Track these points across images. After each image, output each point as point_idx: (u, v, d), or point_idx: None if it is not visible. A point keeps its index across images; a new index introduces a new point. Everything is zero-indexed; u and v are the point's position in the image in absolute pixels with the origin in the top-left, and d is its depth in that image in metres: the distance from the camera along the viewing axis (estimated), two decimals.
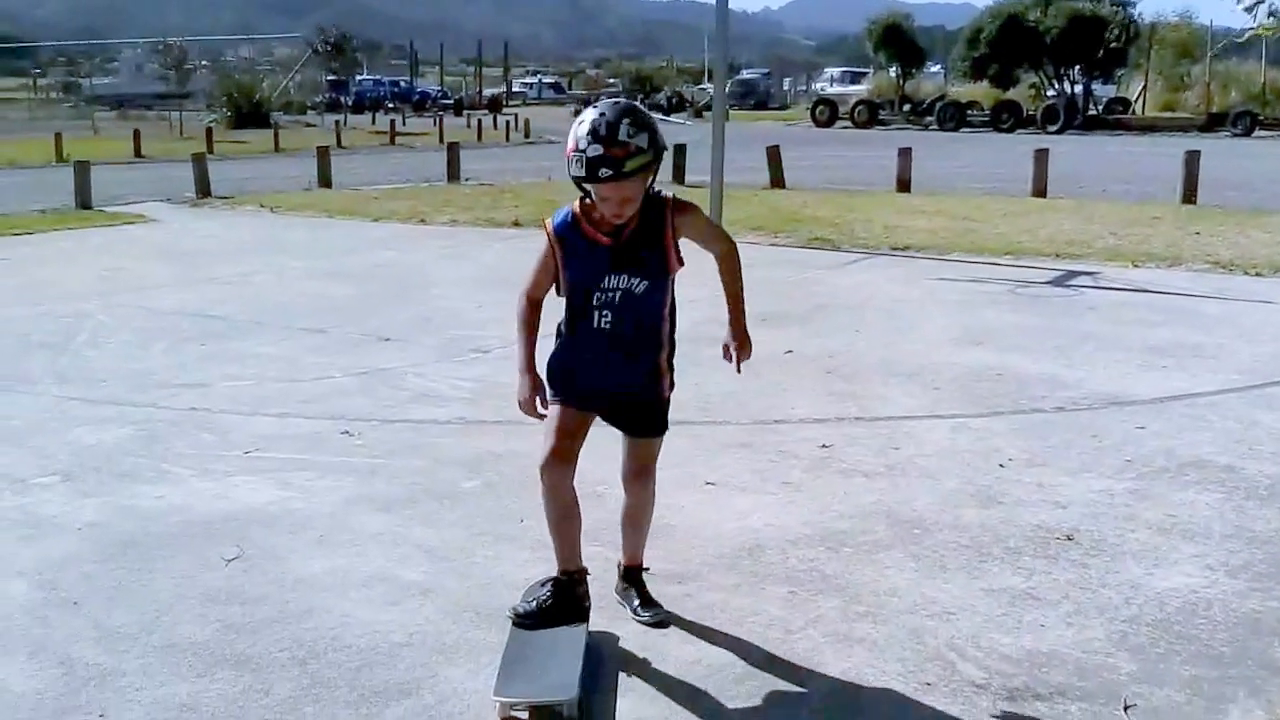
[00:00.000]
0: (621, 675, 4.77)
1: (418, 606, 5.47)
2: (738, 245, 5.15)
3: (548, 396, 4.95)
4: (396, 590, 5.63)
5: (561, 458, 4.81)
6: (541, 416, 4.91)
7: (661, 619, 5.20)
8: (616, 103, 4.63)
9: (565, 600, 5.01)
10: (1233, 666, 4.82)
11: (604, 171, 4.43)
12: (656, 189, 4.74)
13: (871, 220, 19.80)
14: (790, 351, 10.35)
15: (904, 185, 25.52)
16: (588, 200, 4.71)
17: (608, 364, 4.88)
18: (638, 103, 4.80)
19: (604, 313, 4.80)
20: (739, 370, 5.13)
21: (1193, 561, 5.86)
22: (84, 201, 23.60)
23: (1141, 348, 10.36)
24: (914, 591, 5.54)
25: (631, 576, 5.37)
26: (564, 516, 4.97)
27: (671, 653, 4.98)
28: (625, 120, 4.45)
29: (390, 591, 5.62)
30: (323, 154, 29.58)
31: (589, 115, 4.50)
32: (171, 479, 7.24)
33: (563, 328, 4.98)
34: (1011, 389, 9.04)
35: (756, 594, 5.55)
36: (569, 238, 4.79)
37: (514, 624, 4.98)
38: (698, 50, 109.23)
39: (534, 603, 5.02)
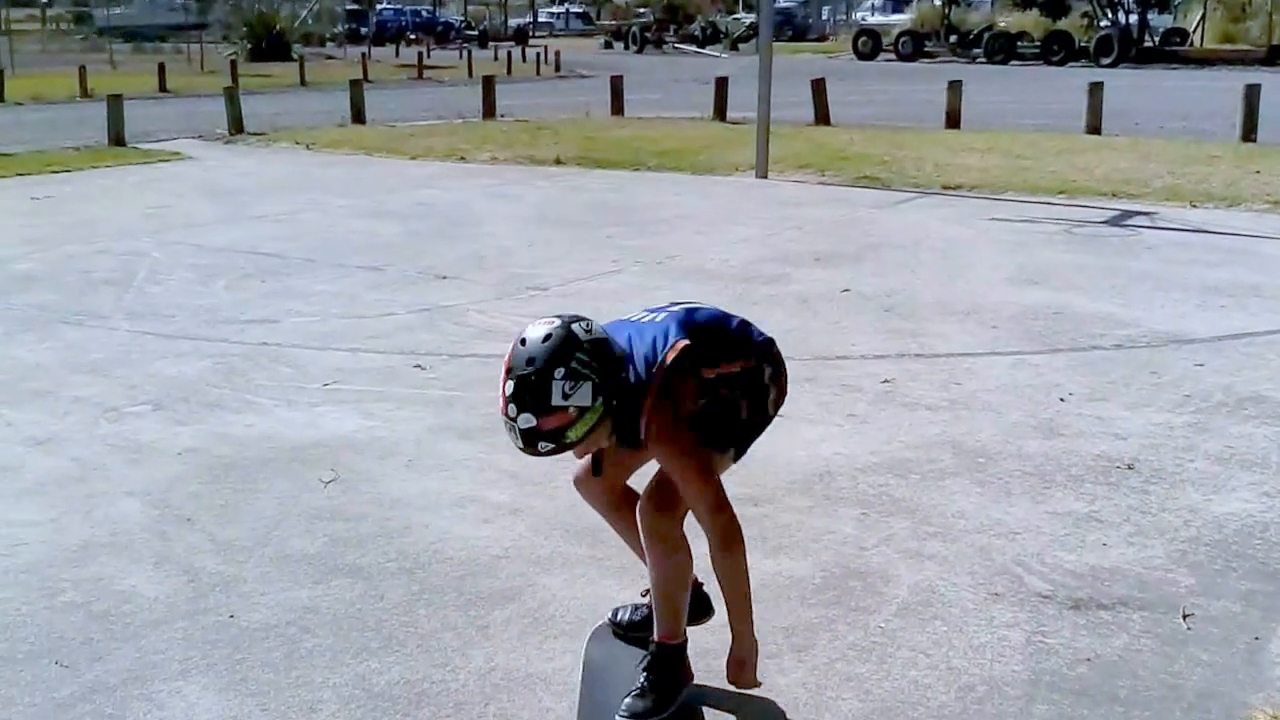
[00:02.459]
0: (709, 586, 5.32)
1: (510, 524, 6.06)
2: (721, 521, 4.19)
3: None
4: (488, 509, 6.23)
5: (585, 476, 4.56)
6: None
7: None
8: (548, 336, 3.80)
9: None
10: None
11: (544, 445, 3.79)
12: (641, 363, 4.03)
13: (921, 158, 20.19)
14: (847, 290, 10.87)
15: (953, 121, 25.65)
16: None
17: None
18: (576, 327, 3.87)
19: None
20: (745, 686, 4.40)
21: (1250, 489, 6.40)
22: (117, 138, 24.18)
23: (1200, 287, 10.84)
24: (980, 514, 6.11)
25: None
26: (623, 533, 4.64)
27: (754, 566, 5.47)
28: (558, 373, 3.72)
29: (482, 510, 6.22)
30: (356, 88, 30.05)
31: (513, 357, 3.82)
32: (257, 409, 7.85)
33: None
34: (1069, 327, 9.56)
35: (830, 515, 6.13)
36: None
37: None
38: None
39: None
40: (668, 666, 4.36)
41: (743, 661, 4.29)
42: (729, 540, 4.15)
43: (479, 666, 4.76)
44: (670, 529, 4.21)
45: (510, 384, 3.76)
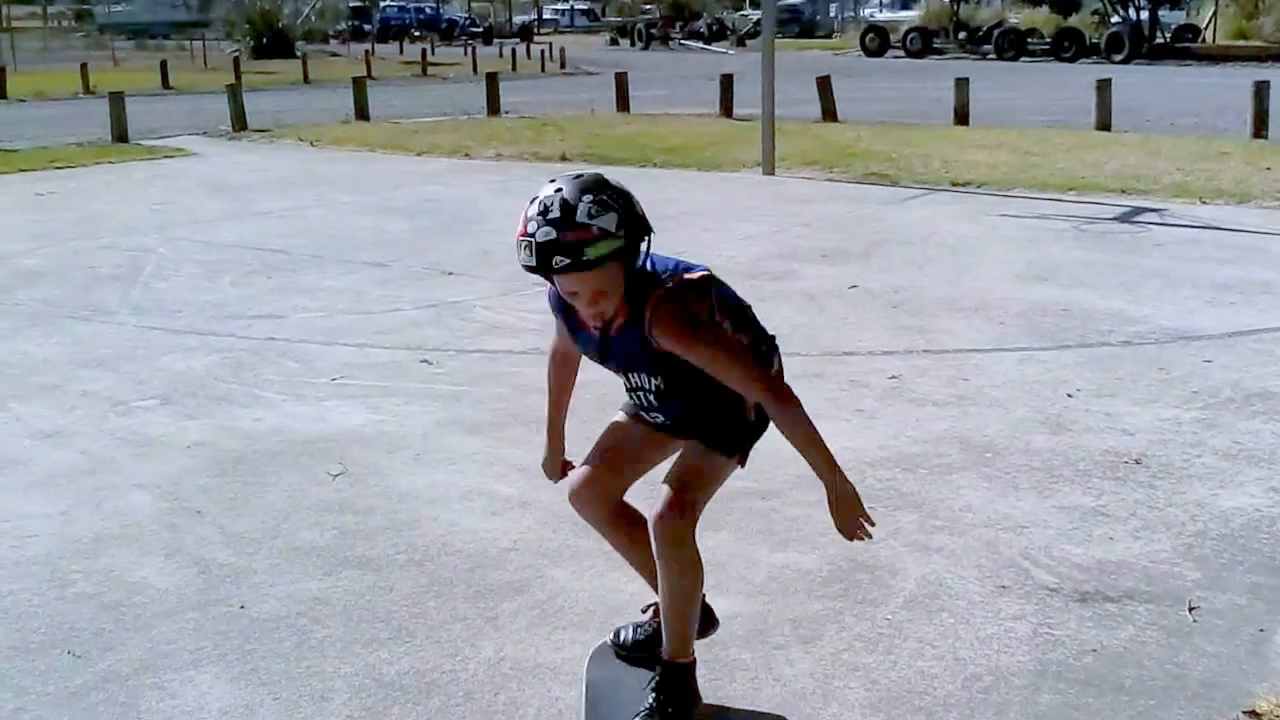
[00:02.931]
0: (717, 577, 5.41)
1: (518, 517, 6.14)
2: (769, 382, 4.06)
3: None
4: (496, 503, 6.31)
5: (577, 496, 4.47)
6: (559, 478, 4.64)
7: None
8: (579, 177, 3.83)
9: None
10: None
11: (559, 260, 3.67)
12: (662, 270, 4.01)
13: (929, 154, 20.24)
14: (854, 286, 10.94)
15: (962, 118, 25.69)
16: None
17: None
18: (607, 178, 3.91)
19: (642, 396, 4.23)
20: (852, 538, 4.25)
21: (1257, 484, 6.46)
22: (120, 134, 24.32)
23: (1209, 284, 10.90)
24: (988, 508, 6.18)
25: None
26: (623, 548, 4.58)
27: (763, 559, 5.64)
28: (586, 197, 3.73)
29: (490, 503, 6.30)
30: (359, 85, 30.17)
31: (542, 192, 3.78)
32: (265, 403, 7.94)
33: None
34: (1078, 323, 9.62)
35: None
36: (565, 309, 4.15)
37: None
38: None
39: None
40: (677, 686, 4.26)
41: (843, 508, 4.17)
42: (785, 398, 4.01)
43: (488, 657, 4.84)
44: (690, 536, 4.10)
45: (534, 206, 3.74)
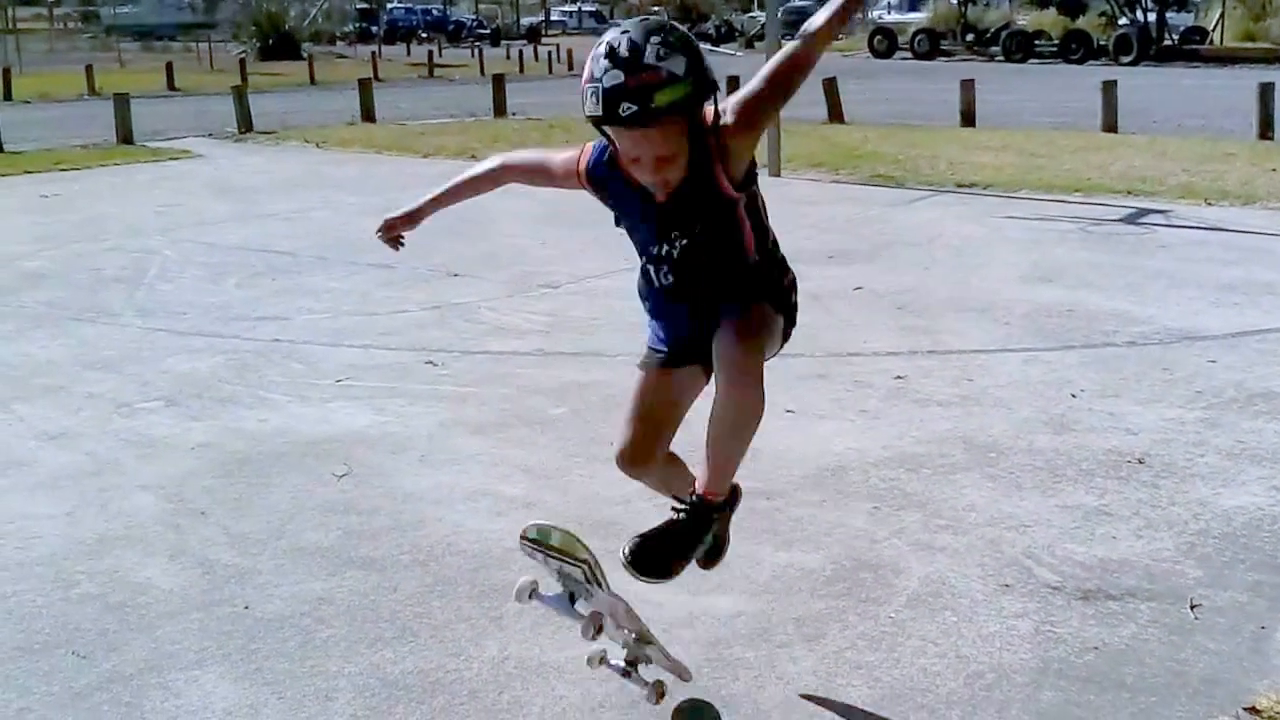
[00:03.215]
0: (721, 576, 5.44)
1: (523, 517, 6.10)
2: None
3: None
4: (501, 503, 6.34)
5: (631, 461, 4.26)
6: (396, 240, 4.61)
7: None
8: (645, 19, 3.67)
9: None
10: None
11: (626, 107, 3.51)
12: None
13: (935, 156, 20.26)
14: (860, 288, 10.97)
15: (968, 119, 25.73)
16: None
17: (689, 327, 4.08)
18: (677, 23, 3.77)
19: (662, 269, 4.02)
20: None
21: (1260, 483, 6.48)
22: (125, 136, 24.38)
23: (1214, 285, 10.91)
24: (991, 507, 6.20)
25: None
26: (658, 479, 4.43)
27: (766, 559, 5.67)
28: (654, 39, 3.54)
29: (495, 504, 6.33)
30: (365, 87, 30.20)
31: (608, 35, 3.63)
32: (270, 404, 7.97)
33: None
34: (1082, 324, 9.64)
35: (841, 509, 6.23)
36: (608, 179, 4.01)
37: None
38: None
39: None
40: (702, 522, 4.02)
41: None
42: (813, 36, 3.81)
43: (492, 656, 4.87)
44: (762, 375, 3.83)
45: (600, 48, 3.58)
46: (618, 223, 4.13)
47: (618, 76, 3.49)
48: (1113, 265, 11.85)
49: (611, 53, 3.53)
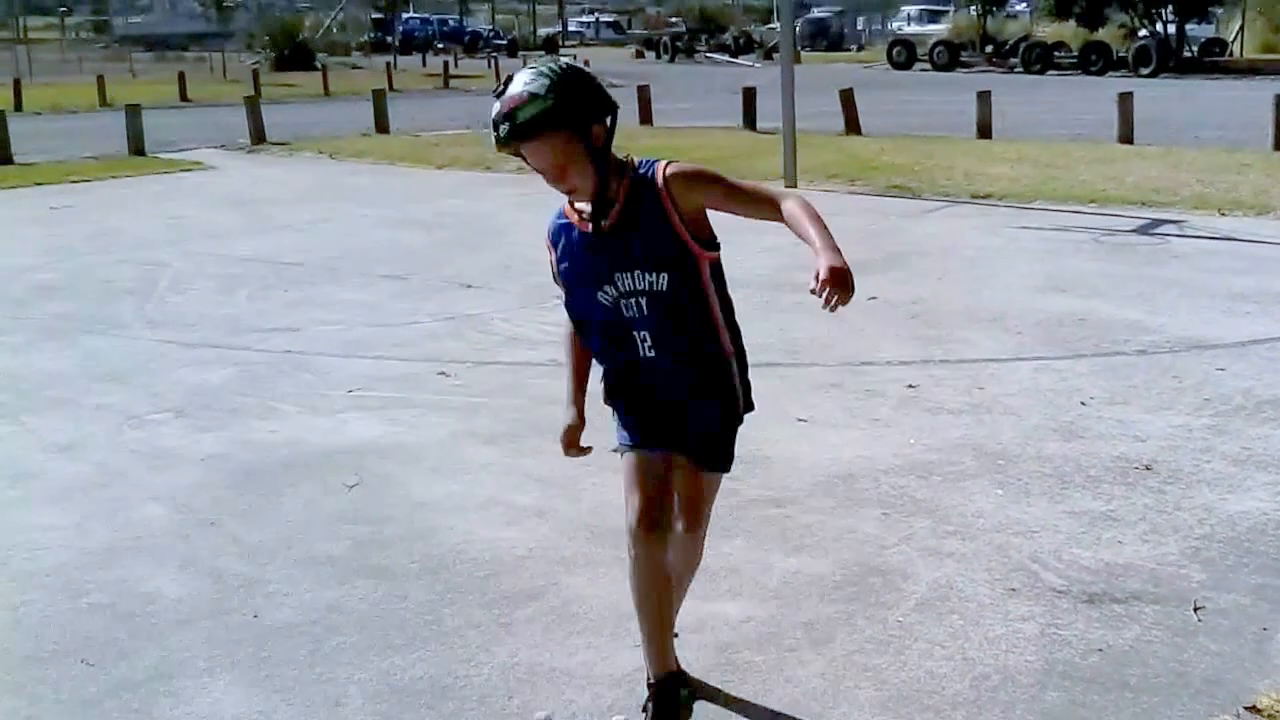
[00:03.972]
0: (731, 582, 5.53)
1: (534, 526, 6.25)
2: (802, 196, 4.22)
3: (618, 440, 4.44)
4: (512, 512, 6.42)
5: (652, 520, 4.25)
6: (584, 450, 4.48)
7: None
8: (547, 59, 4.16)
9: (673, 713, 4.50)
10: None
11: (503, 129, 3.93)
12: (639, 160, 4.20)
13: (951, 167, 20.28)
14: (874, 298, 11.01)
15: (985, 131, 25.71)
16: None
17: (669, 403, 4.33)
18: (572, 61, 4.19)
19: (642, 336, 4.22)
20: (832, 307, 3.73)
21: (1265, 489, 6.54)
22: (137, 147, 24.52)
23: (1225, 294, 10.97)
24: (999, 513, 6.28)
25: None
26: (661, 592, 4.41)
27: (776, 565, 5.74)
28: (529, 72, 3.97)
29: (506, 513, 6.41)
30: (379, 98, 30.34)
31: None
32: (281, 415, 8.06)
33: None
34: (1093, 333, 9.71)
35: (851, 515, 6.30)
36: (560, 233, 4.30)
37: None
38: None
39: None
40: (673, 699, 4.51)
41: (838, 275, 3.76)
42: (785, 195, 4.22)
43: (502, 662, 4.95)
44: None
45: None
46: (569, 302, 4.37)
47: (496, 106, 3.94)
48: (1125, 275, 11.91)
49: (496, 90, 3.99)
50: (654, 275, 4.12)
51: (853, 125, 26.95)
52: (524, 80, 3.92)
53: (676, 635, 4.60)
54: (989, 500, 6.45)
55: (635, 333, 4.21)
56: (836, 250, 3.83)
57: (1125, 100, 23.95)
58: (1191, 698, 4.53)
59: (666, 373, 4.26)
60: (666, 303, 4.15)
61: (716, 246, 4.27)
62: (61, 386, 8.77)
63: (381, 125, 29.35)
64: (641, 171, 4.15)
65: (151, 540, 6.18)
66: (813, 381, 8.59)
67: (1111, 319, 10.11)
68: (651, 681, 4.51)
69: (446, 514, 6.43)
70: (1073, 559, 5.72)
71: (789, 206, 4.10)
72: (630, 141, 25.44)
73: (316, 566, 5.84)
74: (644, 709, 4.50)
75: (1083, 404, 7.97)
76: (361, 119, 30.45)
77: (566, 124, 3.95)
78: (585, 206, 4.15)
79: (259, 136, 26.69)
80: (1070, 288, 11.39)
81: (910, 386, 8.44)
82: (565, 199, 4.23)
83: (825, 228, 3.97)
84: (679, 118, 30.97)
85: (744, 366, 4.39)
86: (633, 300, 4.16)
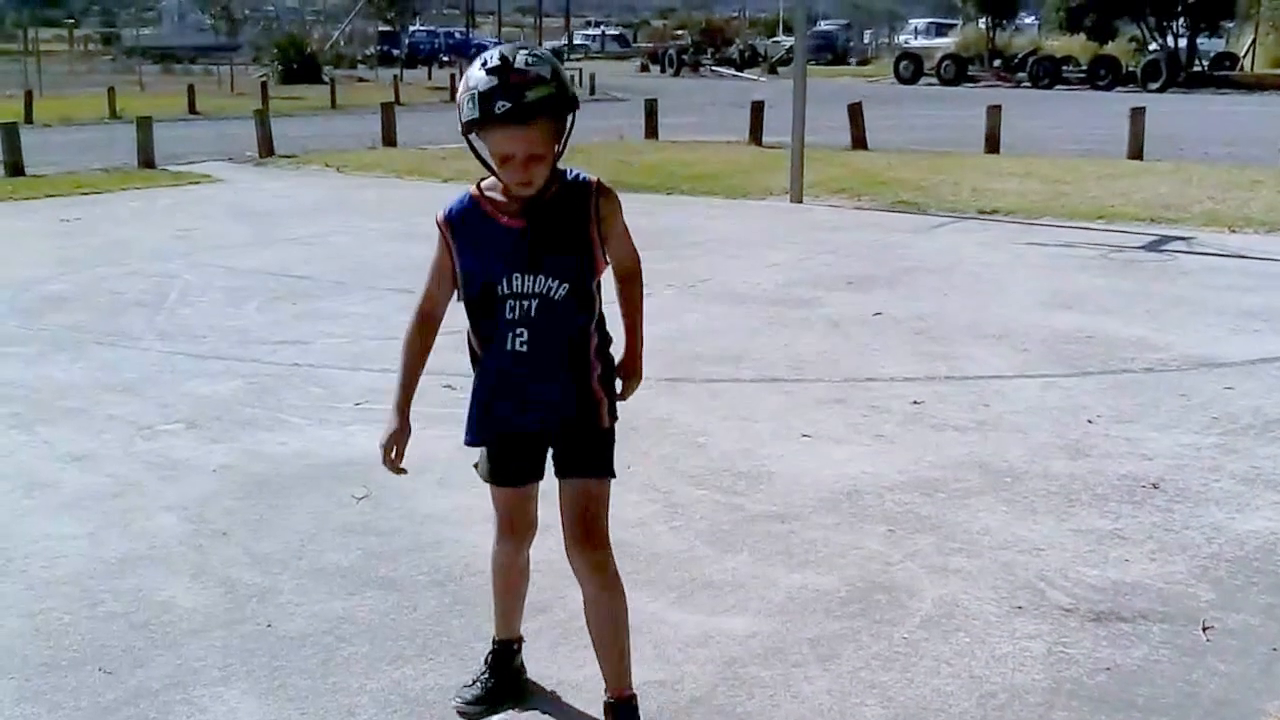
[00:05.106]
0: (736, 597, 5.58)
1: (540, 539, 6.22)
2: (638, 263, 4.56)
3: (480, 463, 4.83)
4: None
5: (514, 531, 4.81)
6: (401, 471, 4.65)
7: None
8: (514, 43, 4.12)
9: (506, 673, 4.91)
10: None
11: (501, 105, 3.79)
12: (575, 171, 4.24)
13: (958, 183, 20.35)
14: (879, 313, 11.08)
15: (993, 146, 25.79)
16: (484, 182, 4.24)
17: (526, 396, 4.44)
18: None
19: (519, 331, 4.25)
20: (623, 398, 4.52)
21: (1274, 508, 6.59)
22: (147, 160, 24.54)
23: (1234, 312, 11.02)
24: (1005, 531, 6.32)
25: (621, 713, 4.55)
26: (511, 590, 4.97)
27: (780, 580, 5.78)
28: (522, 52, 3.90)
29: None
30: (387, 111, 30.44)
31: (482, 55, 3.97)
32: (290, 427, 8.11)
33: (472, 354, 4.61)
34: (1101, 351, 9.75)
35: (856, 531, 6.34)
36: (467, 221, 4.30)
37: (462, 715, 4.78)
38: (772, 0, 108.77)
39: (476, 685, 4.86)
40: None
41: (637, 368, 4.60)
42: (641, 270, 4.54)
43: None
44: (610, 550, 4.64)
45: (475, 64, 3.94)
46: (459, 296, 4.44)
47: (492, 81, 3.82)
48: (1133, 292, 11.96)
49: (485, 63, 3.87)
50: (555, 283, 4.19)
51: (859, 140, 27.01)
52: (523, 59, 3.86)
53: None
54: (995, 518, 6.49)
55: (513, 330, 4.26)
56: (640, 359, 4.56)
57: (1137, 116, 24.01)
58: (1200, 718, 4.57)
59: (531, 363, 4.30)
60: (555, 309, 4.22)
61: (607, 262, 4.37)
62: (74, 397, 8.82)
63: (389, 138, 29.42)
64: (572, 177, 4.20)
65: (165, 550, 6.22)
66: (817, 397, 8.63)
67: (1119, 336, 10.16)
68: (493, 648, 4.97)
69: (454, 526, 6.49)
70: (1079, 577, 5.76)
71: (638, 288, 4.54)
72: (636, 155, 25.67)
73: (327, 577, 5.89)
74: (485, 660, 4.92)
75: (1089, 422, 8.02)
76: (369, 132, 30.55)
77: (561, 113, 3.96)
78: (501, 198, 4.15)
79: (267, 149, 26.76)
80: (1077, 304, 11.44)
81: (915, 403, 8.49)
82: (473, 186, 4.28)
83: (641, 324, 4.58)
84: (684, 131, 31.04)
85: (608, 375, 4.44)
86: (524, 302, 4.21)
